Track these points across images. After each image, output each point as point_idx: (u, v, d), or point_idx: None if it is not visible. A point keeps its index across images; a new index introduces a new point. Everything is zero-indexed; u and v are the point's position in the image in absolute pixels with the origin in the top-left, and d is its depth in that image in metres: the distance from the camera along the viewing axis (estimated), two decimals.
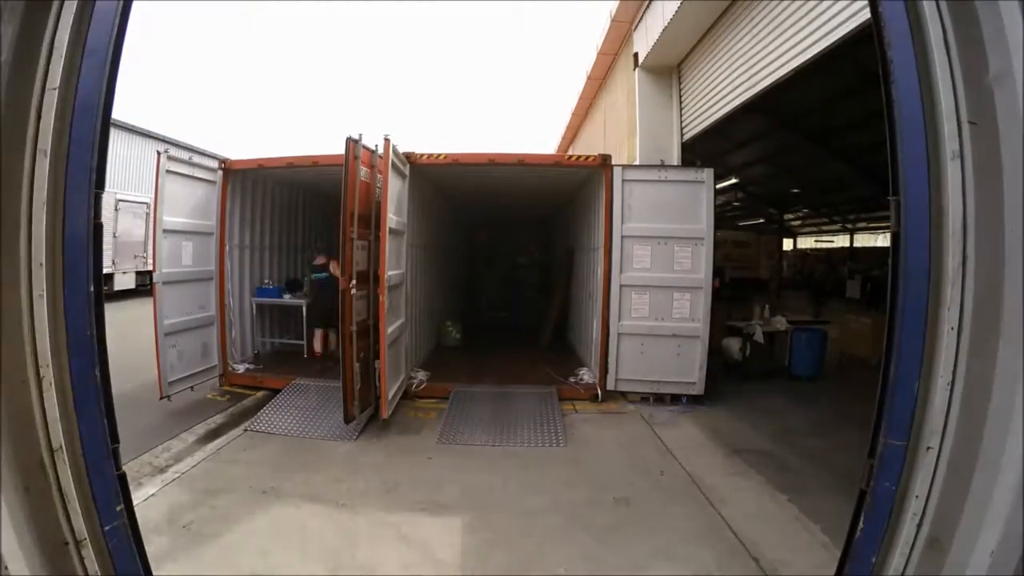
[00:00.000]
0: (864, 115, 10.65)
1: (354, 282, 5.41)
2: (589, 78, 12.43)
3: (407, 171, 6.73)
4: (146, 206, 15.81)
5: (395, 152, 5.88)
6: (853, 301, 17.96)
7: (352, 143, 5.47)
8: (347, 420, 5.52)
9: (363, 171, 5.64)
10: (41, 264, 1.49)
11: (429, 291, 9.16)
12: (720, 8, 6.85)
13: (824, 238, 29.92)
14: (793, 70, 5.42)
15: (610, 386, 6.85)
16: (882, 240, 24.99)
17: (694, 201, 6.66)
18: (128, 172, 16.04)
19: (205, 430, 5.67)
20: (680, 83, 8.53)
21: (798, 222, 29.08)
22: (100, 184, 1.61)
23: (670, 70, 8.59)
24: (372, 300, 5.76)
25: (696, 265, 6.63)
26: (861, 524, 1.80)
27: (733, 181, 16.66)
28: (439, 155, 6.94)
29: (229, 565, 3.28)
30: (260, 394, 6.87)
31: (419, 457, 5.05)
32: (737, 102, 6.65)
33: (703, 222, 6.63)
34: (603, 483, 4.55)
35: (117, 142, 16.46)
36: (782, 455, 5.21)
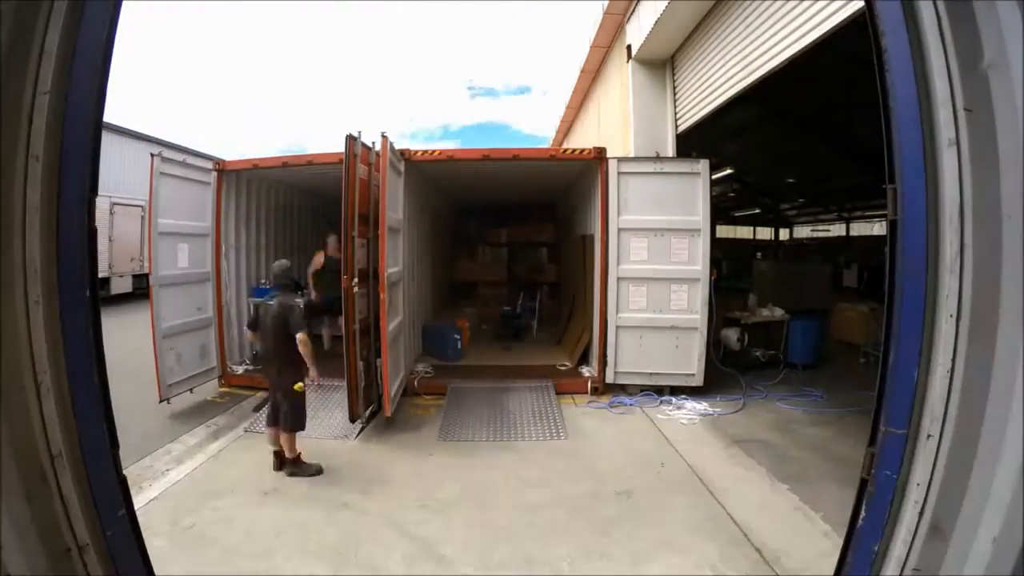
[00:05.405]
0: (859, 103, 10.63)
1: (356, 280, 5.40)
2: (582, 71, 12.33)
3: (402, 168, 6.71)
4: (141, 209, 15.68)
5: (391, 149, 5.85)
6: (850, 290, 17.96)
7: (351, 140, 5.43)
8: (353, 419, 5.53)
9: (361, 169, 5.61)
10: (36, 270, 1.48)
11: (426, 287, 9.15)
12: None
13: (820, 227, 29.94)
14: (787, 59, 5.41)
15: (609, 379, 6.85)
16: (878, 229, 24.99)
17: (690, 192, 6.64)
18: (123, 175, 15.89)
19: (205, 432, 5.66)
20: (674, 74, 8.49)
21: (793, 212, 29.09)
22: (94, 188, 1.59)
23: (664, 62, 8.56)
24: (372, 298, 5.75)
25: (693, 257, 6.62)
26: (863, 512, 1.81)
27: (728, 172, 16.62)
28: (434, 151, 6.98)
29: (232, 567, 3.29)
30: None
31: (420, 454, 5.05)
32: (731, 92, 6.62)
33: (699, 213, 6.62)
34: (604, 476, 4.57)
35: (111, 145, 16.32)
36: (782, 444, 5.24)
